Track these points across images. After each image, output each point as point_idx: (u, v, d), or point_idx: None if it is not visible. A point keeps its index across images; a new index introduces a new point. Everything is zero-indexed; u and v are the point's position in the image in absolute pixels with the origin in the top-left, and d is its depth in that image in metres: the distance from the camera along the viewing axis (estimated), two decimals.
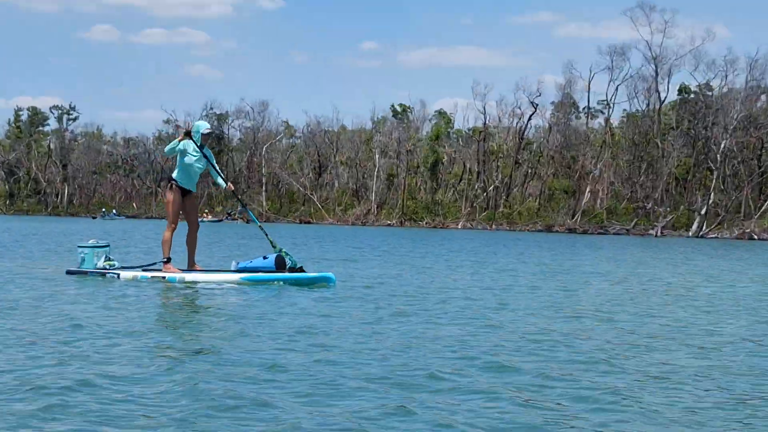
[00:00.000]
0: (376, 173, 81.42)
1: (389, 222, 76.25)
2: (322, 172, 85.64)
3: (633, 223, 64.90)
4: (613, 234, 62.52)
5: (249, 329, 8.60)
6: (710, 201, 62.50)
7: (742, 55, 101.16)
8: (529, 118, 77.33)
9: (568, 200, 71.53)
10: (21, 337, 7.84)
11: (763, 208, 61.30)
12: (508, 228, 69.63)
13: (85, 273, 14.03)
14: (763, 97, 68.51)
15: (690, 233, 61.01)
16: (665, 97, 70.60)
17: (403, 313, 10.03)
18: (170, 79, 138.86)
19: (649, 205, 66.45)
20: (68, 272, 14.31)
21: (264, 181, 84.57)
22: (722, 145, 63.57)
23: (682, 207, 65.03)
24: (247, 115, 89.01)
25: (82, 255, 14.22)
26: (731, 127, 63.16)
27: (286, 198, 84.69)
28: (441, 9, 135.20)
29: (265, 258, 13.78)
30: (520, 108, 77.67)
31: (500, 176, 76.99)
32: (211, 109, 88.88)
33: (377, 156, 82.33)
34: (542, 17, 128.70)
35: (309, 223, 77.16)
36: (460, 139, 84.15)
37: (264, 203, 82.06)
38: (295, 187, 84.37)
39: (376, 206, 79.74)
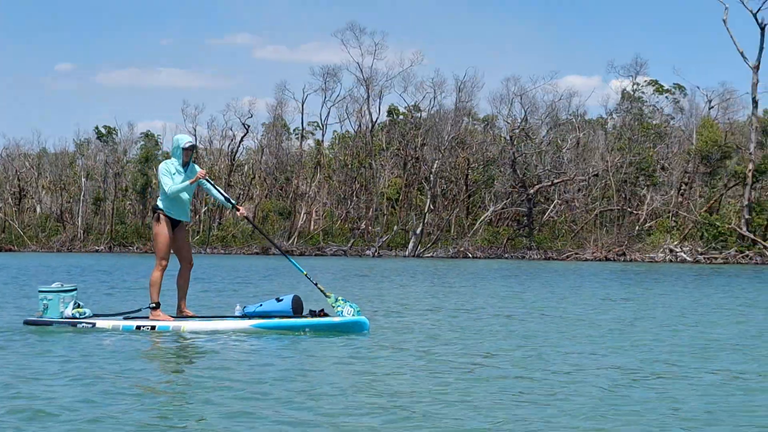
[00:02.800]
0: (81, 197, 77.70)
1: (97, 248, 72.94)
2: (23, 197, 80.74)
3: (350, 244, 65.24)
4: (331, 255, 62.54)
5: (281, 395, 7.22)
6: (425, 220, 63.79)
7: (450, 77, 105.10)
8: (241, 140, 76.53)
9: (284, 222, 71.10)
10: None
11: (476, 226, 63.23)
12: (223, 252, 68.22)
13: (49, 323, 11.53)
14: (465, 118, 70.95)
15: (407, 253, 62.00)
16: (377, 119, 71.79)
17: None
18: None
19: (363, 225, 67.15)
20: (26, 323, 11.70)
21: None
22: (434, 166, 65.14)
23: (396, 227, 66.04)
24: None
25: (45, 302, 11.63)
26: (443, 148, 64.86)
27: None
28: (139, 29, 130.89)
29: (279, 300, 11.56)
30: (231, 129, 76.72)
31: (212, 199, 75.39)
32: None
33: (83, 180, 78.69)
34: (240, 39, 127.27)
35: (10, 250, 72.33)
36: None
37: None
38: None
39: (82, 231, 76.08)
